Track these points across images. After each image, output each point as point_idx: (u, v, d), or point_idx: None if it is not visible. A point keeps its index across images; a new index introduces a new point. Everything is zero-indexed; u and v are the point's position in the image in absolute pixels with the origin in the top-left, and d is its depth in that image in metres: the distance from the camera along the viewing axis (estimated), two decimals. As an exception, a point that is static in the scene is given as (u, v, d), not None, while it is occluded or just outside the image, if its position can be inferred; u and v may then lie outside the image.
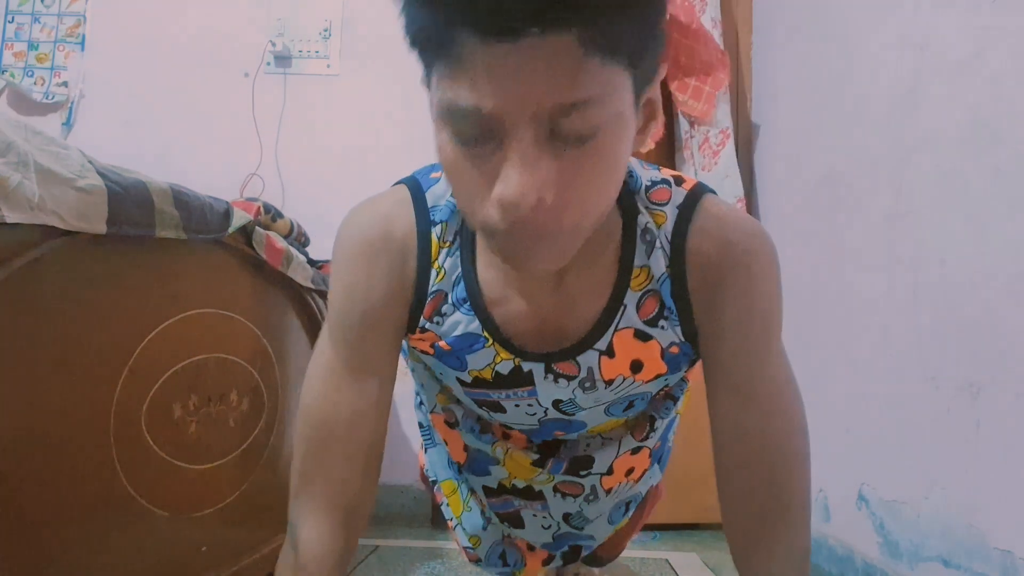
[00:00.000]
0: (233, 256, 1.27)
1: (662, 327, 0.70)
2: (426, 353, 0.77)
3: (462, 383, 0.79)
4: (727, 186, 1.96)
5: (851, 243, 1.50)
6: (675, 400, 0.88)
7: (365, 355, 0.71)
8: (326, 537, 0.68)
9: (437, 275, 0.70)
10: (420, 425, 1.02)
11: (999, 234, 1.06)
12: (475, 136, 0.50)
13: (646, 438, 0.89)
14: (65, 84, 2.20)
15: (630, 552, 1.68)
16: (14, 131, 0.80)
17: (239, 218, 1.21)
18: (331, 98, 2.18)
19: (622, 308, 0.69)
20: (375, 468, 0.72)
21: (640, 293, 0.69)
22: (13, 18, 2.24)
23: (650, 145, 1.90)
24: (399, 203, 0.71)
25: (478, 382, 0.77)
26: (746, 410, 0.69)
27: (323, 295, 1.53)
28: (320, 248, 1.63)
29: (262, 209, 1.50)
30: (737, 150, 2.07)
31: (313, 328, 1.52)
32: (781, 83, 1.97)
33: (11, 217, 0.77)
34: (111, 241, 0.93)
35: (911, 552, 1.22)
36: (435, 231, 0.70)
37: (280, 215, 1.56)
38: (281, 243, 1.41)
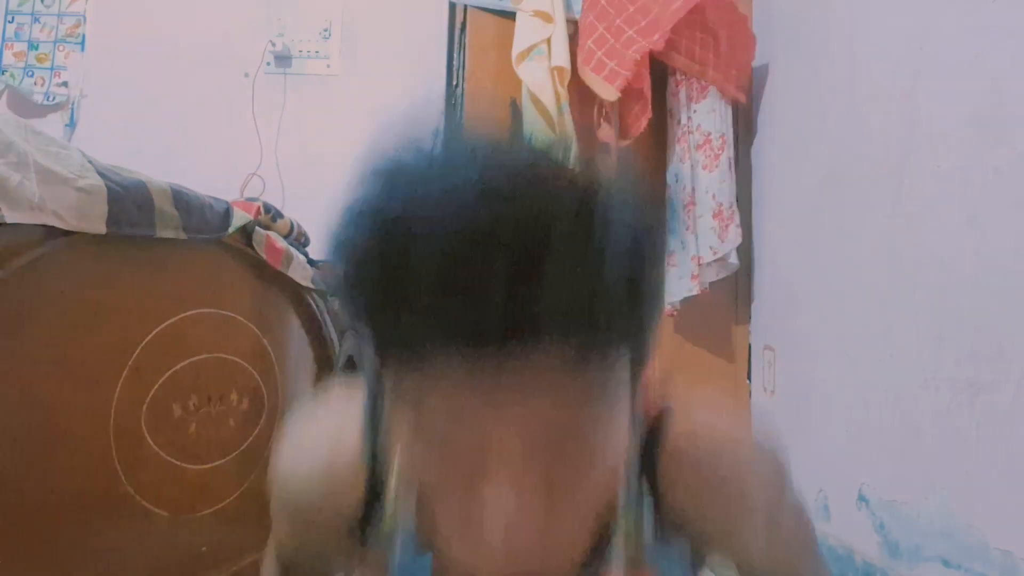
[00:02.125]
0: (233, 256, 1.26)
1: None
2: None
3: None
4: (724, 191, 1.97)
5: (851, 243, 1.50)
6: None
7: None
8: None
9: None
10: None
11: (999, 234, 1.06)
12: None
13: None
14: (65, 84, 2.20)
15: (630, 552, 1.68)
16: (14, 131, 0.80)
17: (239, 218, 1.21)
18: (331, 98, 2.18)
19: None
20: None
21: None
22: (13, 18, 2.23)
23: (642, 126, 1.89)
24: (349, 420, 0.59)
25: None
26: None
27: (323, 295, 1.53)
28: (320, 248, 1.62)
29: (262, 209, 1.49)
30: (737, 151, 2.07)
31: (313, 328, 1.52)
32: (781, 83, 1.97)
33: (11, 217, 0.77)
34: (111, 241, 0.93)
35: (911, 552, 1.22)
36: None
37: (280, 215, 1.56)
38: (281, 243, 1.41)
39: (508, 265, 0.34)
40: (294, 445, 0.60)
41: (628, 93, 1.86)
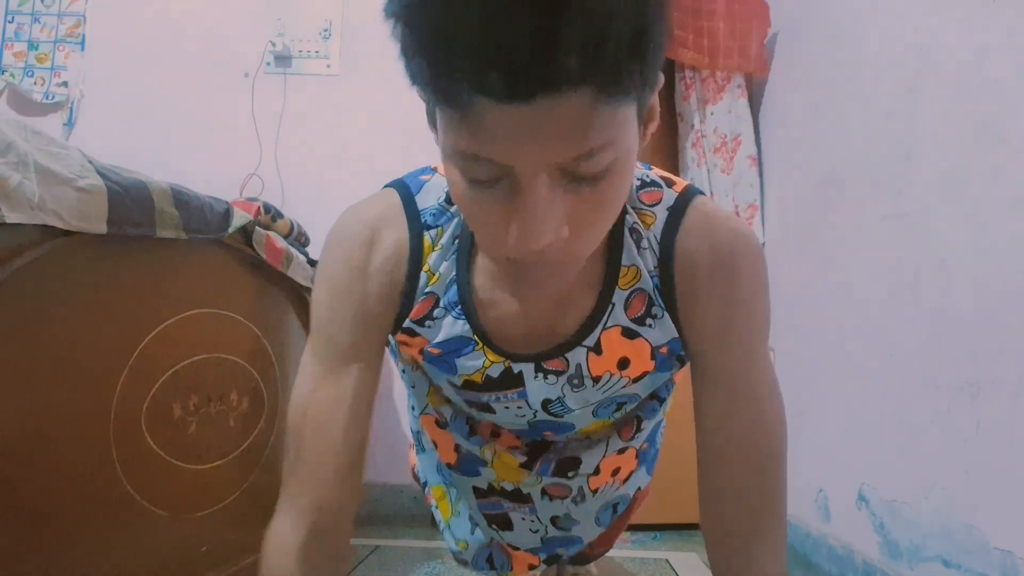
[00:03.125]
0: (233, 256, 1.27)
1: (650, 325, 0.71)
2: (415, 359, 0.77)
3: (452, 385, 0.79)
4: (739, 192, 1.96)
5: (851, 243, 1.50)
6: (661, 401, 0.88)
7: (345, 350, 0.70)
8: (288, 532, 0.68)
9: (429, 278, 0.71)
10: (411, 429, 1.03)
11: (999, 234, 1.06)
12: (489, 180, 0.51)
13: (632, 438, 0.89)
14: (65, 84, 2.20)
15: (630, 552, 1.68)
16: (14, 131, 0.80)
17: (239, 218, 1.21)
18: (331, 98, 2.17)
19: (610, 307, 0.70)
20: (353, 462, 0.71)
21: (628, 291, 0.70)
22: (13, 18, 2.24)
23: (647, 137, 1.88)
24: (388, 208, 0.72)
25: (468, 385, 0.77)
26: (731, 407, 0.69)
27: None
28: (320, 248, 1.63)
29: (262, 209, 1.50)
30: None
31: (313, 328, 1.53)
32: (781, 84, 1.97)
33: (11, 217, 0.77)
34: (111, 241, 0.93)
35: (911, 552, 1.22)
36: (428, 235, 0.71)
37: (280, 215, 1.56)
38: (281, 243, 1.41)
39: (532, 17, 0.41)
40: (350, 223, 0.72)
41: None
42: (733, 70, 1.96)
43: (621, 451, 0.89)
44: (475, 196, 0.52)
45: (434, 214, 0.71)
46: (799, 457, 1.60)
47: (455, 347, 0.73)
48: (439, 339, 0.73)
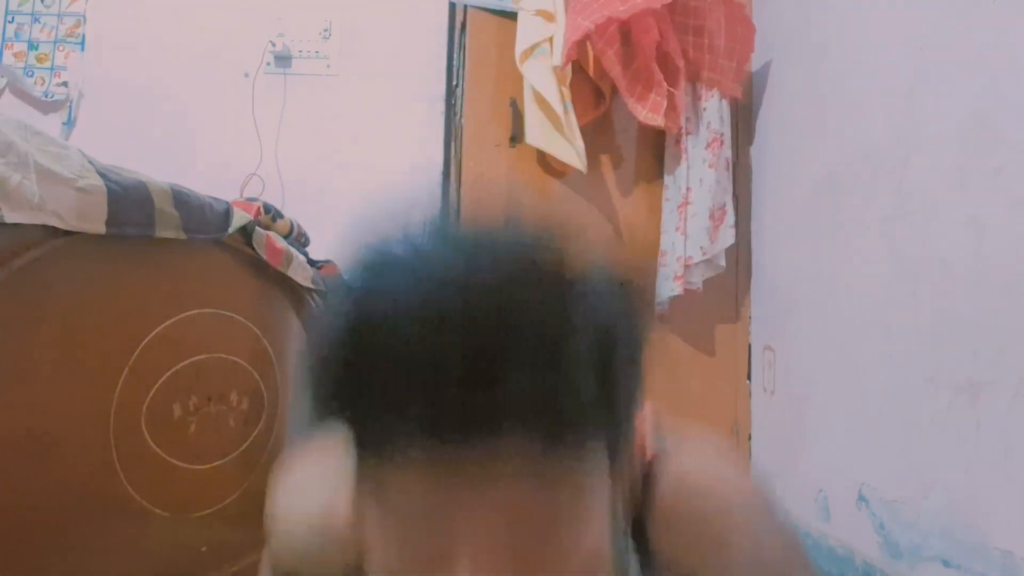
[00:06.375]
0: (233, 256, 1.26)
1: None
2: None
3: None
4: (721, 190, 1.96)
5: (851, 243, 1.50)
6: None
7: None
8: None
9: None
10: None
11: (999, 234, 1.06)
12: None
13: None
14: (65, 84, 2.20)
15: (630, 552, 1.68)
16: (14, 131, 0.80)
17: (239, 218, 1.21)
18: (331, 98, 2.17)
19: None
20: None
21: None
22: (13, 18, 2.24)
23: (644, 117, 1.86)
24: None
25: None
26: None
27: (323, 295, 1.53)
28: (320, 248, 1.63)
29: (262, 209, 1.50)
30: (736, 151, 2.07)
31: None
32: (781, 83, 1.97)
33: (11, 217, 0.77)
34: (111, 241, 0.93)
35: (911, 552, 1.22)
36: None
37: (280, 215, 1.56)
38: (281, 243, 1.41)
39: (472, 362, 0.34)
40: (289, 504, 0.61)
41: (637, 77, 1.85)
42: (716, 87, 1.96)
43: None
44: None
45: None
46: (799, 457, 1.61)
47: None
48: None
